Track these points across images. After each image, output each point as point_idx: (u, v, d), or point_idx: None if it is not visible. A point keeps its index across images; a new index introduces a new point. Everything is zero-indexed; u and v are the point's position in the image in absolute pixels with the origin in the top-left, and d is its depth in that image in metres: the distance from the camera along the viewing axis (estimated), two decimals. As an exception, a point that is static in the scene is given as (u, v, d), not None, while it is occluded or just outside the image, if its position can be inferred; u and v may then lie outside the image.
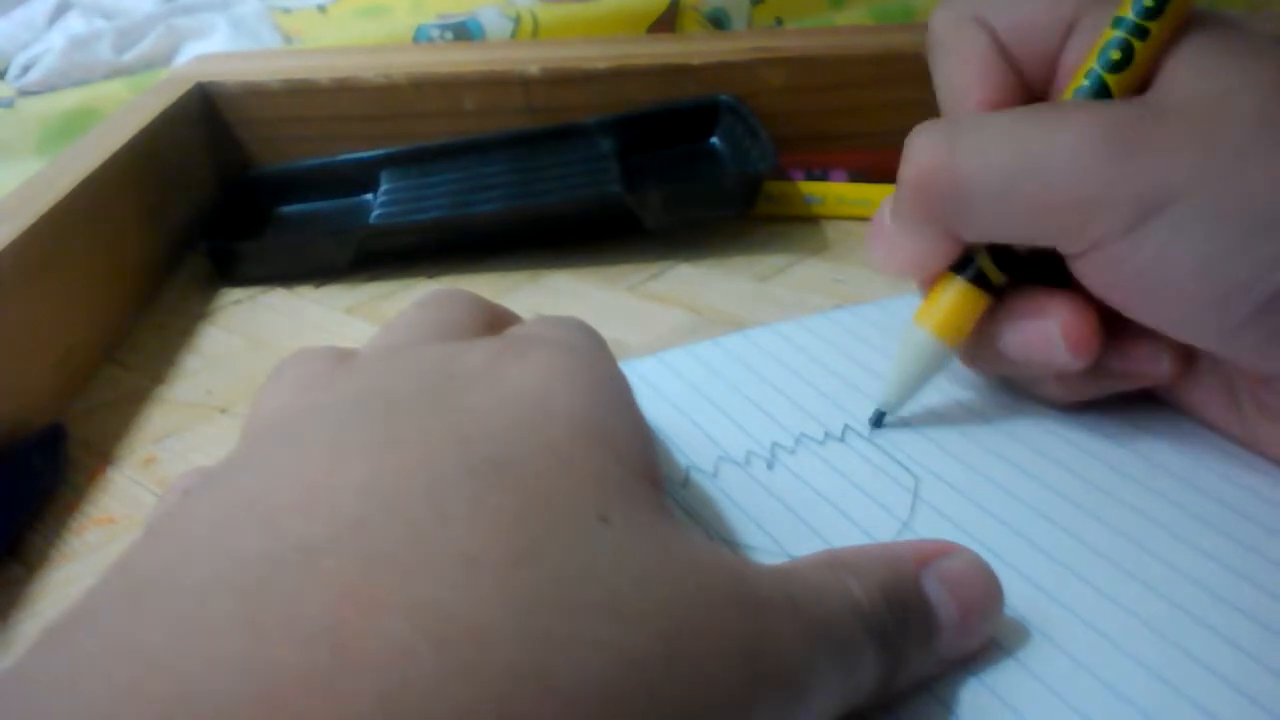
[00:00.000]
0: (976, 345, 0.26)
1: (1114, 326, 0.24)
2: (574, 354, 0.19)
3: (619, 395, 0.19)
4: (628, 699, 0.13)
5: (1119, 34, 0.23)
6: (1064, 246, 0.23)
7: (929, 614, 0.18)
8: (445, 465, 0.15)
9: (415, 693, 0.11)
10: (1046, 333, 0.24)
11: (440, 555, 0.13)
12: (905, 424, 0.26)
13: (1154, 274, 0.21)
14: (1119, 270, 0.22)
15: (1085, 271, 0.23)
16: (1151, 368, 0.24)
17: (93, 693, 0.11)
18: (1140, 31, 0.23)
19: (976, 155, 0.23)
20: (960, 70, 0.25)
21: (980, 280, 0.25)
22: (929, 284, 0.26)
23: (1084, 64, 0.24)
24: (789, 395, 0.28)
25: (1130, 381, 0.25)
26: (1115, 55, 0.23)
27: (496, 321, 0.23)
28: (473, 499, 0.14)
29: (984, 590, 0.19)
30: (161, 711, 0.11)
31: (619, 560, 0.14)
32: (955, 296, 0.25)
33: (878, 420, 0.26)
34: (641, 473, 0.17)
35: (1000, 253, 0.25)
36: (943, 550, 0.19)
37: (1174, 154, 0.21)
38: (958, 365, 0.28)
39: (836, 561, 0.18)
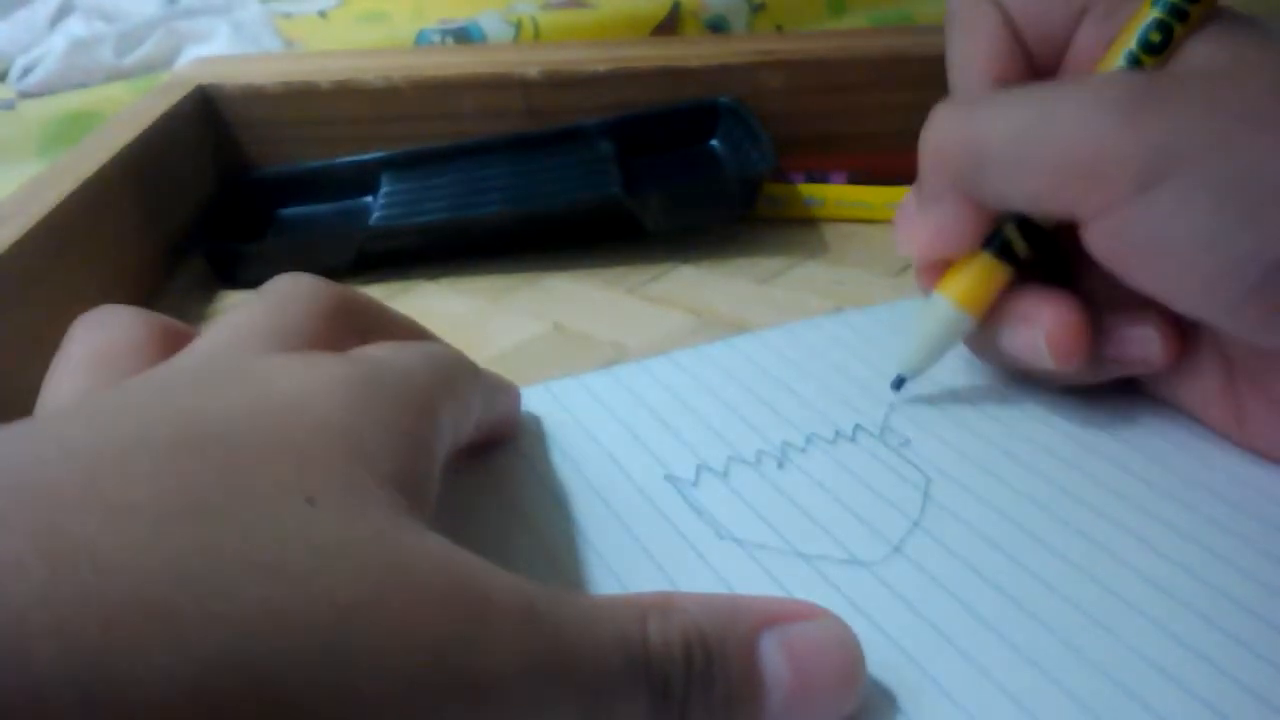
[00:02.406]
0: (984, 336, 0.26)
1: (1106, 317, 0.25)
2: (372, 373, 0.18)
3: (398, 417, 0.18)
4: (273, 659, 0.12)
5: (1158, 14, 0.23)
6: (1077, 209, 0.23)
7: (751, 677, 0.16)
8: (149, 436, 0.14)
9: (20, 605, 0.11)
10: (1034, 340, 0.25)
11: (104, 500, 0.13)
12: (916, 424, 0.26)
13: (1161, 241, 0.21)
14: (1127, 236, 0.22)
15: (1095, 240, 0.23)
16: (1142, 354, 0.25)
17: None
18: (1180, 14, 0.23)
19: (993, 118, 0.24)
20: (970, 46, 0.26)
21: (1005, 253, 0.25)
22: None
23: (1118, 42, 0.24)
24: (800, 395, 0.28)
25: (1124, 369, 0.25)
26: (1155, 37, 0.23)
27: (366, 334, 0.21)
28: (164, 461, 0.14)
29: (834, 664, 0.17)
30: None
31: (313, 534, 0.14)
32: (978, 267, 0.25)
33: (898, 384, 0.27)
34: (391, 482, 0.16)
35: (1027, 226, 0.25)
36: (805, 614, 0.18)
37: (1185, 119, 0.21)
38: (969, 363, 0.29)
39: (655, 600, 0.17)
